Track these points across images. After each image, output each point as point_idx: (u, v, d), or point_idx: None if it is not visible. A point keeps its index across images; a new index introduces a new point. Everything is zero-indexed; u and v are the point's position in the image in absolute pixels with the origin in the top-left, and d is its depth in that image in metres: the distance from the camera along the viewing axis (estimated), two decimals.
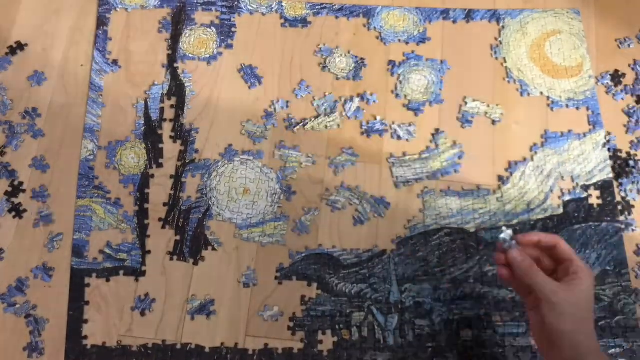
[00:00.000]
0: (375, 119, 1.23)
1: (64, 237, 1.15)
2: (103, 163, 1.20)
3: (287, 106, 1.24)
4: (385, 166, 1.20)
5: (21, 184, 1.18)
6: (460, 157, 1.21)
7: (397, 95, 1.25)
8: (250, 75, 1.26)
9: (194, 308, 1.10)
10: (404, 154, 1.21)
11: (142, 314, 1.10)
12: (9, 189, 1.18)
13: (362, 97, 1.25)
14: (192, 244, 1.15)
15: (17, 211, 1.16)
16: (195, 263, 1.13)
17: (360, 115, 1.23)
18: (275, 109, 1.23)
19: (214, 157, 1.20)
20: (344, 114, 1.23)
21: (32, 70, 1.26)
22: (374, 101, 1.25)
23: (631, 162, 1.20)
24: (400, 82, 1.26)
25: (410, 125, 1.23)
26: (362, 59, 1.28)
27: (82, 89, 1.25)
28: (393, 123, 1.23)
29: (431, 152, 1.21)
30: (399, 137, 1.22)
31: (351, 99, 1.24)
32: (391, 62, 1.28)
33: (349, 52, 1.28)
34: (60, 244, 1.14)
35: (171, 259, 1.14)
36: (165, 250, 1.14)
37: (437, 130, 1.23)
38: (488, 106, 1.24)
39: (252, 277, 1.12)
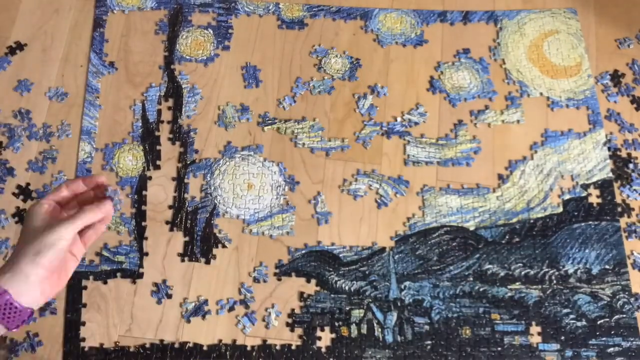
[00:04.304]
0: (396, 120, 1.23)
1: None
2: (100, 165, 1.19)
3: (295, 102, 1.24)
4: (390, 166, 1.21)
5: (29, 188, 1.17)
6: (476, 152, 1.21)
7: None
8: (251, 75, 1.26)
9: (189, 311, 1.09)
10: (422, 135, 1.22)
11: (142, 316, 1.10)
12: (16, 191, 1.17)
13: (372, 89, 1.26)
14: (202, 243, 1.14)
15: (21, 217, 1.15)
16: (207, 262, 1.13)
17: (373, 112, 1.23)
18: (284, 107, 1.24)
19: (214, 156, 1.20)
20: (357, 110, 1.24)
21: (31, 70, 1.26)
22: (385, 94, 1.25)
23: (631, 165, 1.20)
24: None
25: (417, 107, 1.24)
26: (357, 59, 1.28)
27: (81, 90, 1.25)
28: (402, 114, 1.24)
29: (449, 140, 1.22)
30: (415, 124, 1.23)
31: (364, 96, 1.25)
32: None
33: (344, 53, 1.29)
34: None
35: (182, 260, 1.13)
36: (164, 252, 1.14)
37: (460, 121, 1.24)
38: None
39: (262, 272, 1.12)
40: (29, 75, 1.26)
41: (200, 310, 1.09)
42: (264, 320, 1.09)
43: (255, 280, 1.12)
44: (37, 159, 1.19)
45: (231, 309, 1.10)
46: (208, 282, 1.12)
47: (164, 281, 1.11)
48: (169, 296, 1.10)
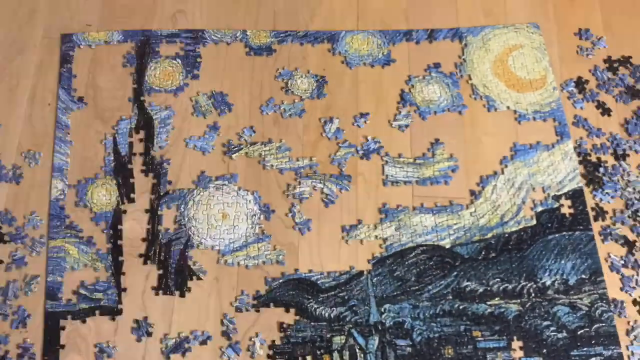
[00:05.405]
0: (367, 139, 1.24)
1: (40, 280, 1.13)
2: (73, 201, 1.19)
3: (254, 132, 1.25)
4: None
5: (1, 232, 1.16)
6: (453, 170, 1.22)
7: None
8: (220, 102, 1.26)
9: (169, 347, 1.08)
10: (400, 155, 1.23)
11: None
12: None
13: (355, 118, 1.27)
14: (176, 276, 1.13)
15: None
16: (182, 295, 1.12)
17: (340, 136, 1.24)
18: (245, 139, 1.24)
19: (188, 186, 1.20)
20: (323, 134, 1.24)
21: None
22: (362, 125, 1.26)
23: (601, 169, 1.21)
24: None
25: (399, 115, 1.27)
26: (322, 77, 1.29)
27: (50, 129, 1.24)
28: (392, 121, 1.26)
29: (426, 159, 1.23)
30: (406, 126, 1.26)
31: (331, 120, 1.25)
32: None
33: (308, 72, 1.30)
34: (37, 286, 1.12)
35: (156, 294, 1.12)
36: (143, 287, 1.13)
37: (436, 140, 1.25)
38: None
39: (244, 301, 1.12)
40: None
41: (180, 347, 1.08)
42: (248, 349, 1.08)
43: (238, 309, 1.11)
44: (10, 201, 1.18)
45: (203, 342, 1.09)
46: (189, 315, 1.11)
47: (145, 318, 1.10)
48: (149, 334, 1.09)
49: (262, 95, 1.28)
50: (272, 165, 1.21)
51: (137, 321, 1.10)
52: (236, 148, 1.23)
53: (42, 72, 1.29)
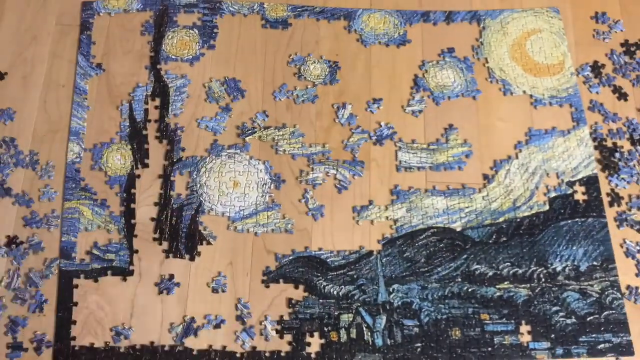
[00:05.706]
0: (380, 125, 1.23)
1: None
2: (89, 165, 1.19)
3: (267, 117, 1.24)
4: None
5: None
6: (467, 156, 1.21)
7: None
8: (233, 88, 1.26)
9: (179, 335, 1.09)
10: (413, 141, 1.22)
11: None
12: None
13: (368, 103, 1.25)
14: (187, 240, 1.14)
15: (15, 244, 1.14)
16: (192, 259, 1.13)
17: (353, 122, 1.23)
18: (258, 124, 1.23)
19: (201, 154, 1.20)
20: (336, 120, 1.23)
21: (13, 98, 1.25)
22: (375, 110, 1.25)
23: (617, 155, 1.20)
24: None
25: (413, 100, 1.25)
26: (335, 62, 1.28)
27: (64, 114, 1.23)
28: (405, 106, 1.25)
29: (440, 145, 1.22)
30: (420, 111, 1.25)
31: (343, 106, 1.25)
32: None
33: (321, 58, 1.29)
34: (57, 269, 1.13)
35: (167, 257, 1.13)
36: (153, 250, 1.14)
37: (450, 125, 1.24)
38: None
39: (221, 282, 1.12)
40: (11, 103, 1.24)
41: (189, 330, 1.09)
42: (261, 334, 1.09)
43: (214, 290, 1.12)
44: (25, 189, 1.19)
45: (217, 326, 1.09)
46: (204, 298, 1.12)
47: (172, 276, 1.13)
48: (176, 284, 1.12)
49: (274, 81, 1.27)
50: (284, 151, 1.21)
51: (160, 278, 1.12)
52: (250, 131, 1.22)
53: (56, 56, 1.28)
